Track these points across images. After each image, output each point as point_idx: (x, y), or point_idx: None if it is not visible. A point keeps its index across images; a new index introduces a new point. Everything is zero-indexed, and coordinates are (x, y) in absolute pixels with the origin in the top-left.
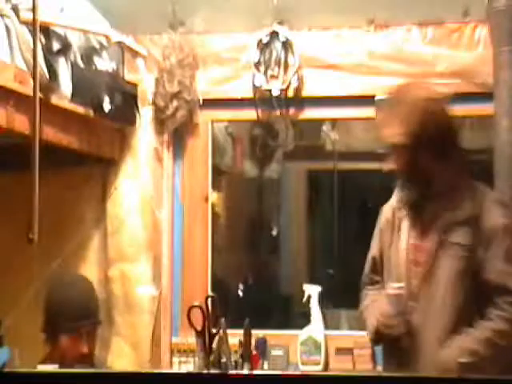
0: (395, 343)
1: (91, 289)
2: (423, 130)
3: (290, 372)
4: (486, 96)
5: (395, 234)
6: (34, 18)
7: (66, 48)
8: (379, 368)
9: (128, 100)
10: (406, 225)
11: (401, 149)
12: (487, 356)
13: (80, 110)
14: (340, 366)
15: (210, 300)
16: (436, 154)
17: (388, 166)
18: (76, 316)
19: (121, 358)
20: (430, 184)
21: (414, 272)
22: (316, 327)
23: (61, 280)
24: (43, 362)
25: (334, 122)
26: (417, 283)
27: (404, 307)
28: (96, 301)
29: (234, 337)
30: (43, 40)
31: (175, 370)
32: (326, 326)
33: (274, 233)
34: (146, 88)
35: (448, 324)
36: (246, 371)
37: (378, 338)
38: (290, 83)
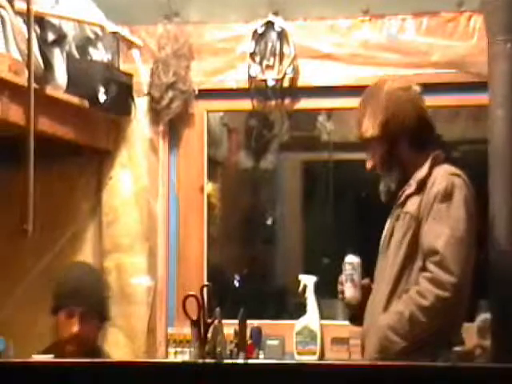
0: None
1: (96, 277)
2: (397, 120)
3: (285, 361)
4: (480, 86)
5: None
6: (28, 9)
7: (60, 38)
8: None
9: (123, 90)
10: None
11: (377, 141)
12: (412, 316)
13: (75, 100)
14: (336, 356)
15: (205, 290)
16: (411, 143)
17: (369, 163)
18: (69, 295)
19: (116, 348)
20: (407, 173)
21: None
22: (312, 317)
23: (71, 265)
24: (50, 347)
25: (329, 113)
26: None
27: (357, 276)
28: (97, 290)
29: (230, 327)
30: (38, 30)
31: (171, 359)
32: (322, 316)
33: (270, 223)
34: (141, 79)
35: (392, 292)
36: (240, 361)
37: (347, 311)
38: (285, 73)
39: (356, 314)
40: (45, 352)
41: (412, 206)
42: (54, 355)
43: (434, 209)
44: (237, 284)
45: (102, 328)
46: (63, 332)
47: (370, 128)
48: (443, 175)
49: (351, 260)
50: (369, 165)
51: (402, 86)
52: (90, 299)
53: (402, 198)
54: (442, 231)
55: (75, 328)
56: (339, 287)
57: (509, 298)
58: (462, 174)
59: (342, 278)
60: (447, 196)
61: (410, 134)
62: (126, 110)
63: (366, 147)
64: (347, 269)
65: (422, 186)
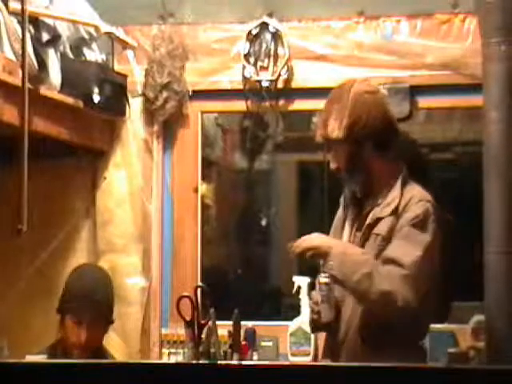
0: (330, 332)
1: (106, 282)
2: (363, 123)
3: (280, 362)
4: (475, 88)
5: (342, 231)
6: (22, 9)
7: (55, 39)
8: None
9: (118, 91)
10: (348, 221)
11: (342, 143)
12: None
13: (69, 101)
14: None
15: (199, 290)
16: (376, 147)
17: (333, 164)
18: (80, 301)
19: (110, 349)
20: (370, 177)
21: None
22: (306, 319)
23: (83, 267)
24: (54, 345)
25: None
26: None
27: (333, 296)
28: (107, 296)
29: (224, 328)
30: (32, 31)
31: (165, 360)
32: None
33: (264, 224)
34: (136, 79)
35: (365, 310)
36: (235, 362)
37: (313, 325)
38: (279, 74)
39: (320, 329)
40: (47, 350)
41: (384, 227)
42: (58, 353)
43: (404, 230)
44: (230, 284)
45: (107, 331)
46: (71, 336)
47: (335, 129)
48: (417, 201)
49: (326, 280)
50: (333, 166)
51: (369, 88)
52: (99, 306)
53: (372, 219)
54: (412, 252)
55: (83, 336)
56: (314, 307)
57: (503, 300)
58: (431, 199)
59: (318, 297)
60: (421, 223)
61: (374, 138)
62: (121, 110)
63: (330, 148)
64: (323, 289)
65: (396, 210)
